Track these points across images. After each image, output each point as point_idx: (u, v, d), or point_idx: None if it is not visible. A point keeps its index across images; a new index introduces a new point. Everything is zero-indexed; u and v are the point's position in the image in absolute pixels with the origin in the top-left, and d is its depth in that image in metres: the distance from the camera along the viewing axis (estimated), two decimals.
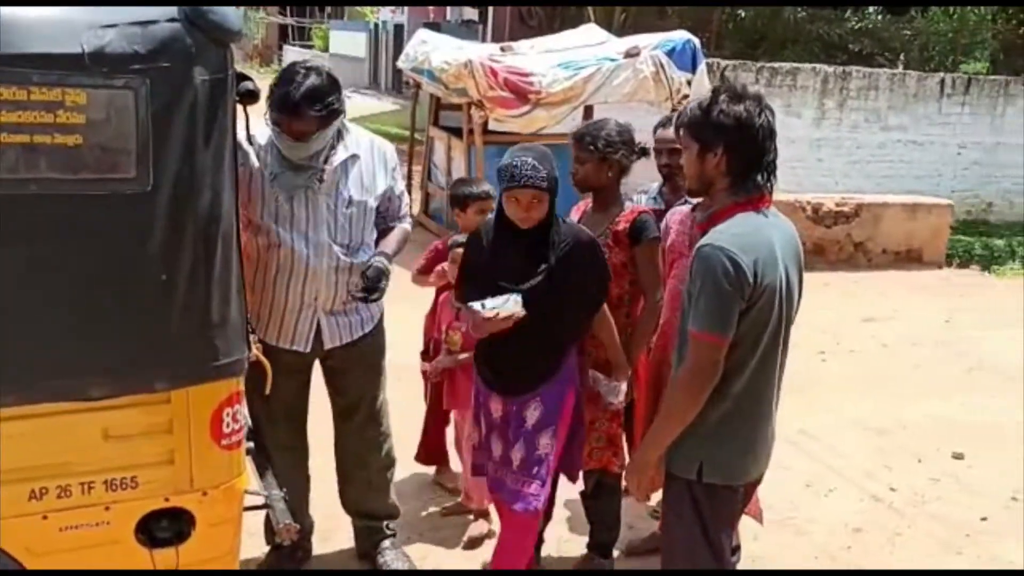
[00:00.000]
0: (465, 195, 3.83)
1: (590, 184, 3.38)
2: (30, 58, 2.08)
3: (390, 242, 3.28)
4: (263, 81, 2.75)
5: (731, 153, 2.42)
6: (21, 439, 2.25)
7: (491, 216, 3.23)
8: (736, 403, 2.45)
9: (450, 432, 4.20)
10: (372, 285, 3.10)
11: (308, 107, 2.90)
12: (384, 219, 3.31)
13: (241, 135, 2.67)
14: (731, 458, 2.51)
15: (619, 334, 3.21)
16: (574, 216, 3.45)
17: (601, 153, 3.29)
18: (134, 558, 2.41)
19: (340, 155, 3.13)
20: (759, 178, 2.44)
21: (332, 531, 3.73)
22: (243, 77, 2.46)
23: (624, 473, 2.73)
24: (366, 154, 3.20)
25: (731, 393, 2.43)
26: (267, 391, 2.76)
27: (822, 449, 5.03)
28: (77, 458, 2.32)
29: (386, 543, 3.58)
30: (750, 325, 2.38)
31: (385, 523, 3.59)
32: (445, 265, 3.77)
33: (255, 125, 2.95)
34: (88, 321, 2.25)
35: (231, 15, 2.28)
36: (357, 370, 3.36)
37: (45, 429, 2.27)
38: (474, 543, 3.81)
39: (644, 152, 3.51)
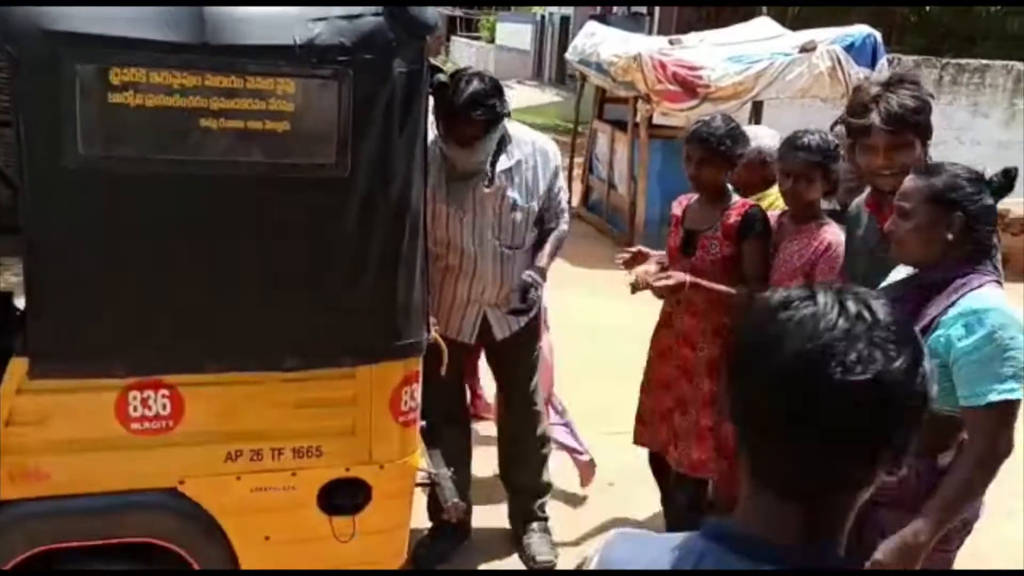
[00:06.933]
0: None
1: (711, 183, 3.30)
2: (246, 49, 2.23)
3: (544, 255, 3.36)
4: None
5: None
6: (223, 404, 2.43)
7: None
8: None
9: None
10: (523, 297, 3.25)
11: (471, 111, 2.97)
12: (543, 217, 3.38)
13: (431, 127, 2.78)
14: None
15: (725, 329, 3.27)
16: (676, 210, 3.42)
17: (725, 154, 3.22)
18: (315, 523, 2.55)
19: (504, 162, 3.22)
20: None
21: (488, 511, 3.80)
22: (436, 69, 2.55)
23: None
24: (529, 158, 3.29)
25: None
26: (443, 372, 2.86)
27: (1007, 472, 4.72)
28: (269, 425, 2.48)
29: (535, 525, 3.64)
30: None
31: (537, 504, 3.66)
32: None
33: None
34: (285, 298, 2.40)
35: (429, 10, 2.38)
36: (514, 356, 3.50)
37: (243, 396, 2.44)
38: None
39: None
